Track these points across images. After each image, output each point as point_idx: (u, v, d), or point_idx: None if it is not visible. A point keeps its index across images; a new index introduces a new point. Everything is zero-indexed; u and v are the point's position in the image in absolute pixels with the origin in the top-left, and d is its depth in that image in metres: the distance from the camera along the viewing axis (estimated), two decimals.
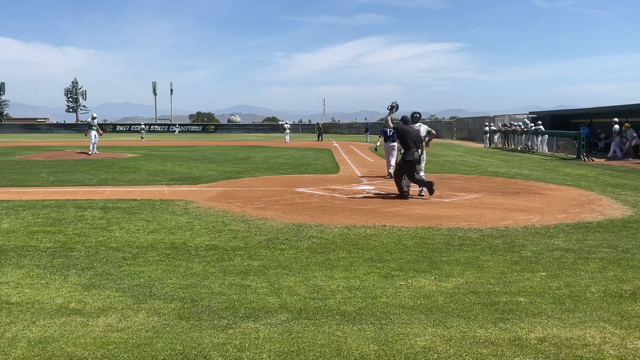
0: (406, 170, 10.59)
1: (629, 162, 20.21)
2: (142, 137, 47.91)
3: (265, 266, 5.72)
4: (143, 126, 61.09)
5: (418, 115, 11.37)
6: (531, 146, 28.42)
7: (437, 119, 72.94)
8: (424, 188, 10.87)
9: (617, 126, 22.76)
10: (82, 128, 73.14)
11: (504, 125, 34.20)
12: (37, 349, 3.65)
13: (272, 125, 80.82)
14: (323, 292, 4.86)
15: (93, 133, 24.87)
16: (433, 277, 5.32)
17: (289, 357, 3.55)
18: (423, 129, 11.08)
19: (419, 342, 3.75)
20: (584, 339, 3.81)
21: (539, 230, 7.55)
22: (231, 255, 6.16)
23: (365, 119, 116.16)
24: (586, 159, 21.48)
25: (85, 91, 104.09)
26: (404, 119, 11.17)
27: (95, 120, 25.79)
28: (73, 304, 4.54)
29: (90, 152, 24.27)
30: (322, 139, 44.74)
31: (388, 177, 14.19)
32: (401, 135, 10.76)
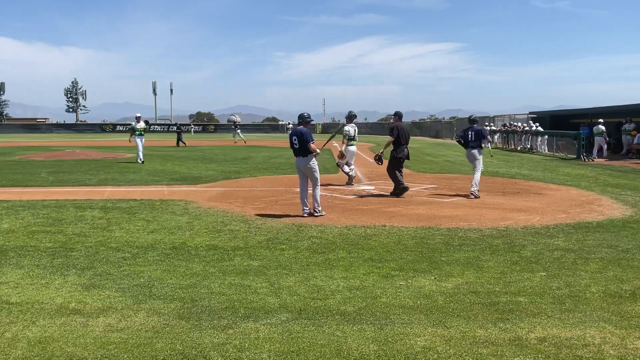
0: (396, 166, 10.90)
1: (629, 162, 20.21)
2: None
3: (265, 266, 5.72)
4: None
5: (354, 115, 12.42)
6: (531, 146, 28.40)
7: (437, 119, 72.87)
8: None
9: (626, 125, 23.62)
10: (83, 128, 71.91)
11: (504, 125, 34.18)
12: (37, 349, 3.65)
13: (272, 125, 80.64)
14: (323, 292, 4.86)
15: (139, 140, 20.46)
16: (433, 277, 5.32)
17: (289, 357, 3.55)
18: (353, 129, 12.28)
19: (419, 342, 3.75)
20: (584, 339, 3.81)
21: (539, 230, 7.55)
22: (231, 255, 6.16)
23: (366, 118, 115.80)
24: (586, 159, 21.47)
25: (85, 91, 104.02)
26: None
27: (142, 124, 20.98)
28: (73, 304, 4.54)
29: (137, 161, 20.26)
30: (180, 144, 32.25)
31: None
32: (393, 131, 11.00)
